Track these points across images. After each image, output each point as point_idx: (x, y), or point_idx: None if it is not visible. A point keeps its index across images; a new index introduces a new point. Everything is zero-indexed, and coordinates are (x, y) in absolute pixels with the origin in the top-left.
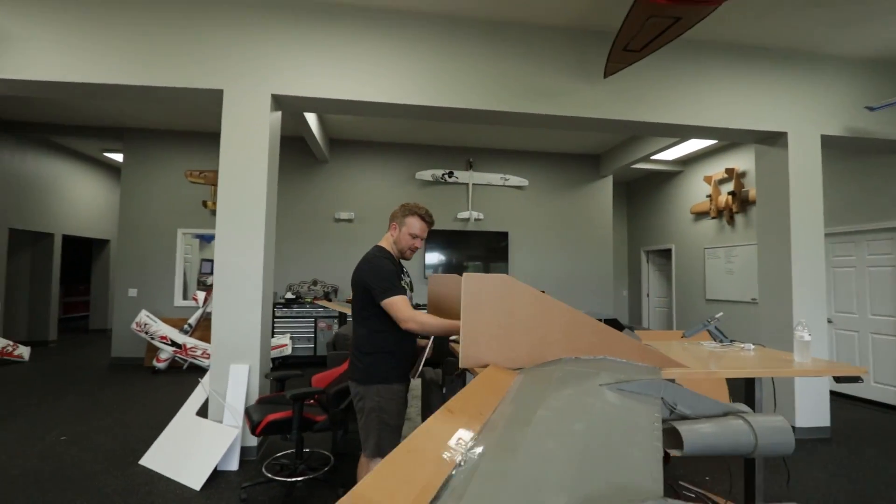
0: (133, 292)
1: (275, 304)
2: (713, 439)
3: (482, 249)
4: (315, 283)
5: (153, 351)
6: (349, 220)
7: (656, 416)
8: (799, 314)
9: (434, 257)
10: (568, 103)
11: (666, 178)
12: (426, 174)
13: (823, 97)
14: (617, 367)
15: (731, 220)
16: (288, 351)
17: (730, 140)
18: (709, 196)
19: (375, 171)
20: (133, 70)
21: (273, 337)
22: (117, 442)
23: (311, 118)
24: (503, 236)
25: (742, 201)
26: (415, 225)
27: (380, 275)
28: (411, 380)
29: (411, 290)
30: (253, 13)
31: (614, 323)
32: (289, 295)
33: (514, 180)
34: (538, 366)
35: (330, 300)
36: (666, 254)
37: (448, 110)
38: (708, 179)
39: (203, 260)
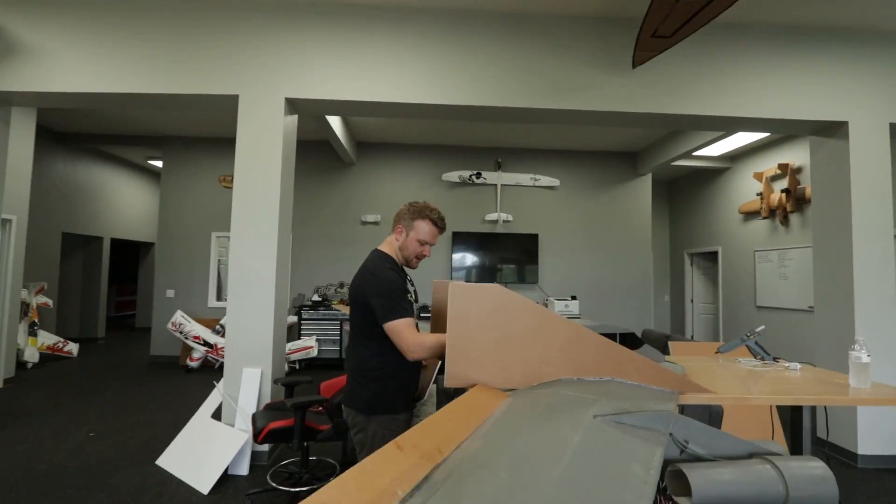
0: (171, 293)
1: (301, 307)
2: (731, 487)
3: (511, 252)
4: (342, 285)
5: (188, 350)
6: (376, 223)
7: (656, 459)
8: (862, 329)
9: (461, 259)
10: (595, 97)
11: (711, 175)
12: (453, 175)
13: (890, 80)
14: (624, 392)
15: (784, 221)
16: (314, 353)
17: (781, 132)
18: (759, 194)
19: (402, 173)
20: (156, 78)
21: (300, 339)
22: (141, 440)
23: (335, 121)
24: (533, 239)
25: (797, 199)
26: (424, 230)
27: (385, 290)
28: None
29: (416, 300)
30: (265, 17)
31: (631, 338)
32: (315, 297)
33: (545, 180)
34: (533, 387)
35: None
36: (712, 257)
37: (468, 109)
38: (758, 176)
39: None
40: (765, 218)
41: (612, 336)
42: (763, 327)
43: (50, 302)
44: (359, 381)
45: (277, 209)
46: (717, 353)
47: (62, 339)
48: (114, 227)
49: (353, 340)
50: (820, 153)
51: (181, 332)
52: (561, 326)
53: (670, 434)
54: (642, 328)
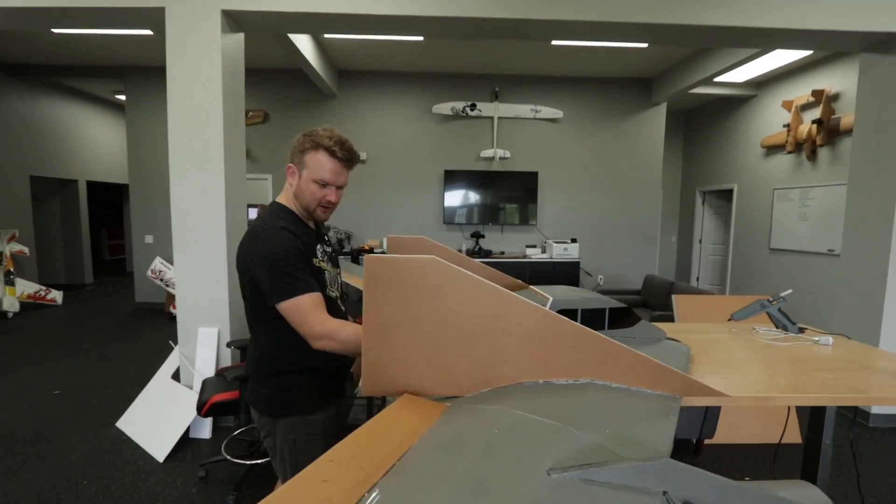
0: (149, 238)
1: None
2: None
3: (508, 192)
4: (328, 228)
5: (171, 297)
6: (361, 161)
7: None
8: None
9: (453, 200)
10: (605, 5)
11: (733, 104)
12: (445, 107)
13: None
14: (604, 405)
15: (812, 155)
16: None
17: (826, 49)
18: (786, 126)
19: (388, 106)
20: None
21: None
22: (107, 399)
23: (306, 45)
24: (532, 177)
25: (830, 131)
26: (319, 164)
27: (270, 258)
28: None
29: (335, 266)
30: None
31: (627, 313)
32: None
33: (547, 112)
34: (479, 398)
35: (342, 248)
36: (726, 195)
37: (447, 21)
38: (787, 105)
39: None
40: (789, 153)
41: (598, 312)
42: (790, 291)
43: (26, 249)
44: (257, 375)
45: (222, 150)
46: (730, 319)
47: (44, 287)
48: (89, 169)
49: (249, 324)
50: (871, 74)
51: (161, 280)
52: (523, 312)
53: (664, 493)
54: (645, 273)
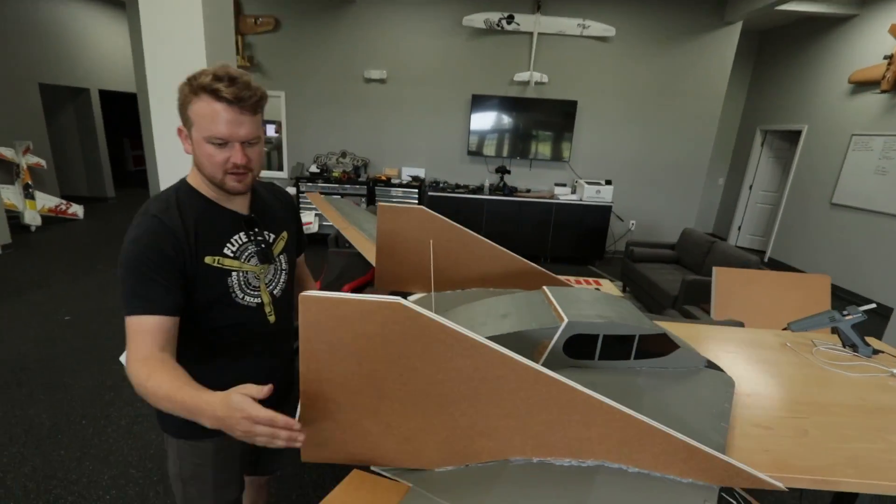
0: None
1: (298, 178)
2: None
3: (542, 123)
4: (344, 154)
5: None
6: (381, 81)
7: None
8: None
9: (479, 129)
10: None
11: (824, 26)
12: (477, 19)
13: None
14: (618, 501)
15: None
16: (314, 228)
17: None
18: (888, 58)
19: (413, 16)
20: None
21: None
22: (116, 328)
23: None
24: (570, 107)
25: None
26: (207, 115)
27: (121, 257)
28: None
29: (267, 261)
30: None
31: (664, 342)
32: (314, 168)
33: (596, 28)
34: (455, 472)
35: (358, 177)
36: (792, 137)
37: None
38: (895, 30)
39: None
40: (883, 91)
41: (625, 339)
42: (874, 306)
43: (43, 162)
44: None
45: (203, 55)
46: (785, 328)
47: (64, 201)
48: (100, 78)
49: None
50: None
51: None
52: (518, 377)
53: None
54: (683, 223)
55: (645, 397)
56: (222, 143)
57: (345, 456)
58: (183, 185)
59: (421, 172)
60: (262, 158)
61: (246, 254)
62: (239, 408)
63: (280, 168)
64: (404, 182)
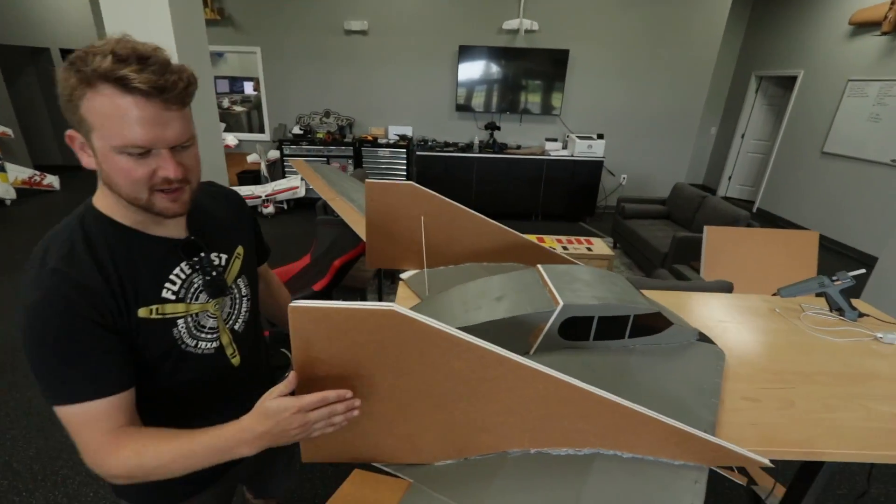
0: None
1: (282, 141)
2: None
3: (531, 74)
4: (328, 114)
5: None
6: (362, 33)
7: None
8: None
9: (468, 81)
10: None
11: None
12: None
13: None
14: (613, 487)
15: None
16: (301, 193)
17: None
18: None
19: None
20: None
21: (284, 177)
22: None
23: None
24: (561, 56)
25: None
26: (114, 116)
27: (24, 333)
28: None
29: (221, 294)
30: None
31: (658, 320)
32: (297, 130)
33: None
34: (454, 466)
35: (343, 136)
36: (787, 83)
37: None
38: None
39: (217, 78)
40: (884, 33)
41: (620, 319)
42: (862, 271)
43: (9, 131)
44: None
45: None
46: (775, 294)
47: (38, 172)
48: (60, 35)
49: None
50: None
51: None
52: (516, 377)
53: None
54: (675, 178)
55: (639, 377)
56: (143, 153)
57: (345, 455)
58: (89, 213)
59: (408, 131)
60: (200, 162)
61: (192, 290)
62: (282, 408)
63: (261, 130)
64: (391, 142)
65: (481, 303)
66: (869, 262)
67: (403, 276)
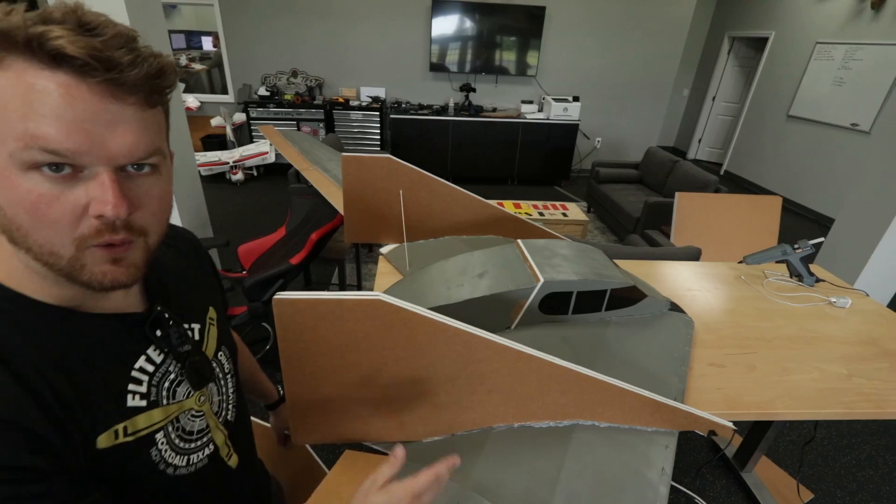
0: None
1: (248, 104)
2: None
3: (506, 31)
4: (295, 74)
5: None
6: None
7: None
8: None
9: (442, 39)
10: None
11: None
12: None
13: None
14: (591, 456)
15: (879, 1)
16: (271, 158)
17: None
18: None
19: None
20: None
21: (252, 142)
22: None
23: None
24: (538, 14)
25: None
26: (18, 101)
27: None
28: None
29: (205, 380)
30: None
31: (633, 292)
32: (263, 91)
33: None
34: (441, 441)
35: (313, 99)
36: (759, 44)
37: None
38: None
39: (172, 32)
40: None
41: (599, 294)
42: (822, 240)
43: None
44: None
45: None
46: (741, 261)
47: None
48: None
49: None
50: None
51: None
52: (500, 358)
53: None
54: (648, 142)
55: (614, 348)
56: (63, 169)
57: (334, 437)
58: None
59: (381, 92)
60: (169, 202)
61: (167, 384)
62: (398, 498)
63: (224, 91)
64: (364, 104)
65: (463, 280)
66: (827, 223)
67: (383, 250)
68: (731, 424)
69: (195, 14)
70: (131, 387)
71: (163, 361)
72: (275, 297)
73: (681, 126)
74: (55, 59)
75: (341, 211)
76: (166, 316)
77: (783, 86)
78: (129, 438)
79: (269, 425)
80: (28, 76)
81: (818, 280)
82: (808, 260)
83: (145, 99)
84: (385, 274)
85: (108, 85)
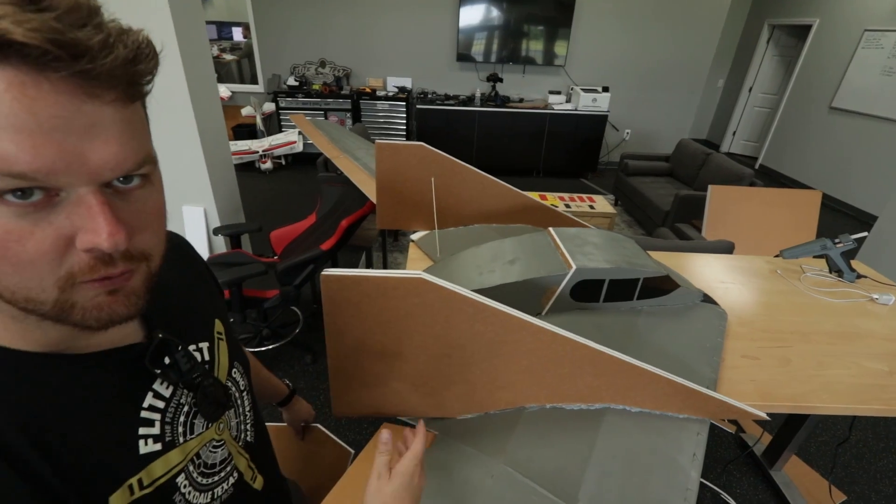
0: None
1: (277, 93)
2: None
3: (536, 19)
4: (323, 64)
5: None
6: None
7: None
8: None
9: (469, 29)
10: None
11: None
12: None
13: None
14: (622, 440)
15: None
16: (299, 148)
17: None
18: None
19: None
20: None
21: (281, 132)
22: None
23: None
24: (567, 1)
25: None
26: None
27: None
28: None
29: (222, 408)
30: None
31: (665, 282)
32: (292, 81)
33: None
34: (476, 419)
35: (340, 87)
36: (801, 33)
37: None
38: None
39: (208, 23)
40: None
41: (631, 282)
42: (865, 235)
43: None
44: None
45: None
46: (777, 255)
47: None
48: None
49: None
50: None
51: None
52: (535, 338)
53: None
54: (679, 134)
55: (646, 337)
56: (24, 193)
57: (373, 410)
58: None
59: (407, 82)
60: (164, 213)
61: (182, 418)
62: (409, 472)
63: (254, 81)
64: (390, 94)
65: (495, 266)
66: (869, 220)
67: (414, 236)
68: (763, 414)
69: (227, 4)
70: (142, 430)
71: (173, 394)
72: (323, 272)
73: (714, 118)
74: (9, 51)
75: (371, 198)
76: (170, 341)
77: (826, 76)
78: (148, 490)
79: (282, 425)
80: None
81: (859, 276)
82: (849, 255)
83: (125, 93)
84: (415, 260)
85: (78, 79)
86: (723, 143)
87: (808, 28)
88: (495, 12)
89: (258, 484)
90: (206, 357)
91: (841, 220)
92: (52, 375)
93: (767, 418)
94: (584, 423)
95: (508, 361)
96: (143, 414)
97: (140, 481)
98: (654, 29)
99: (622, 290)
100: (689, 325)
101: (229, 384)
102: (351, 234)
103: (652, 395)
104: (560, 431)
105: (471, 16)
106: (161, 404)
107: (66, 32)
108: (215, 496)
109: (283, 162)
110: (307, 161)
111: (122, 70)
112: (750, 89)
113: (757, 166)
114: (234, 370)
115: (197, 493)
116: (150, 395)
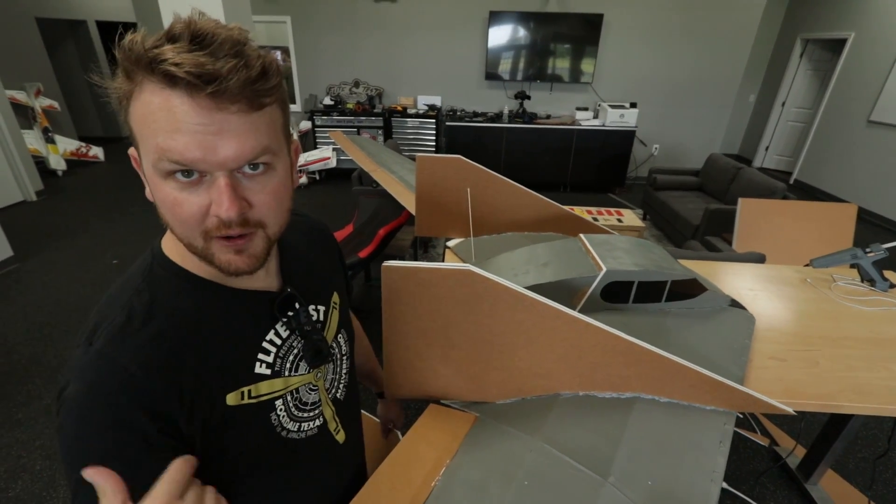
0: None
1: (313, 112)
2: None
3: (563, 39)
4: (357, 84)
5: None
6: (391, 0)
7: None
8: None
9: (498, 48)
10: None
11: None
12: None
13: None
14: (651, 427)
15: None
16: (332, 164)
17: None
18: None
19: None
20: None
21: (316, 148)
22: None
23: None
24: (595, 21)
25: None
26: (155, 119)
27: (64, 436)
28: None
29: (322, 361)
30: None
31: (693, 285)
32: (328, 100)
33: None
34: (514, 403)
35: (373, 106)
36: (836, 46)
37: None
38: None
39: None
40: None
41: (658, 284)
42: (895, 245)
43: (56, 104)
44: None
45: None
46: (807, 265)
47: (84, 144)
48: (96, 7)
49: None
50: None
51: None
52: (570, 328)
53: None
54: (709, 149)
55: (674, 337)
56: (190, 177)
57: (421, 392)
58: (158, 263)
59: (437, 101)
60: (285, 196)
61: (290, 359)
62: None
63: (292, 101)
64: (420, 112)
65: (529, 268)
66: None
67: (450, 243)
68: (790, 410)
69: (268, 31)
70: (260, 356)
71: (288, 337)
72: (384, 264)
73: (746, 133)
74: (170, 79)
75: (409, 208)
76: (296, 297)
77: (864, 89)
78: (253, 401)
79: (376, 419)
80: (156, 95)
81: (892, 285)
82: (881, 265)
83: (248, 104)
84: None
85: (211, 98)
86: (755, 158)
87: (843, 42)
88: (523, 32)
89: (340, 437)
90: (321, 318)
91: (881, 235)
92: (213, 295)
93: (794, 413)
94: (615, 410)
95: (545, 349)
96: (264, 344)
97: (249, 391)
98: (682, 45)
99: (651, 291)
100: (717, 326)
101: (333, 345)
102: (388, 243)
103: (680, 386)
104: (593, 416)
105: (499, 36)
106: (278, 341)
107: (205, 65)
108: (301, 429)
109: (318, 177)
110: (340, 176)
111: (245, 88)
112: (783, 104)
113: (792, 181)
114: (340, 336)
115: (289, 420)
116: (272, 332)
